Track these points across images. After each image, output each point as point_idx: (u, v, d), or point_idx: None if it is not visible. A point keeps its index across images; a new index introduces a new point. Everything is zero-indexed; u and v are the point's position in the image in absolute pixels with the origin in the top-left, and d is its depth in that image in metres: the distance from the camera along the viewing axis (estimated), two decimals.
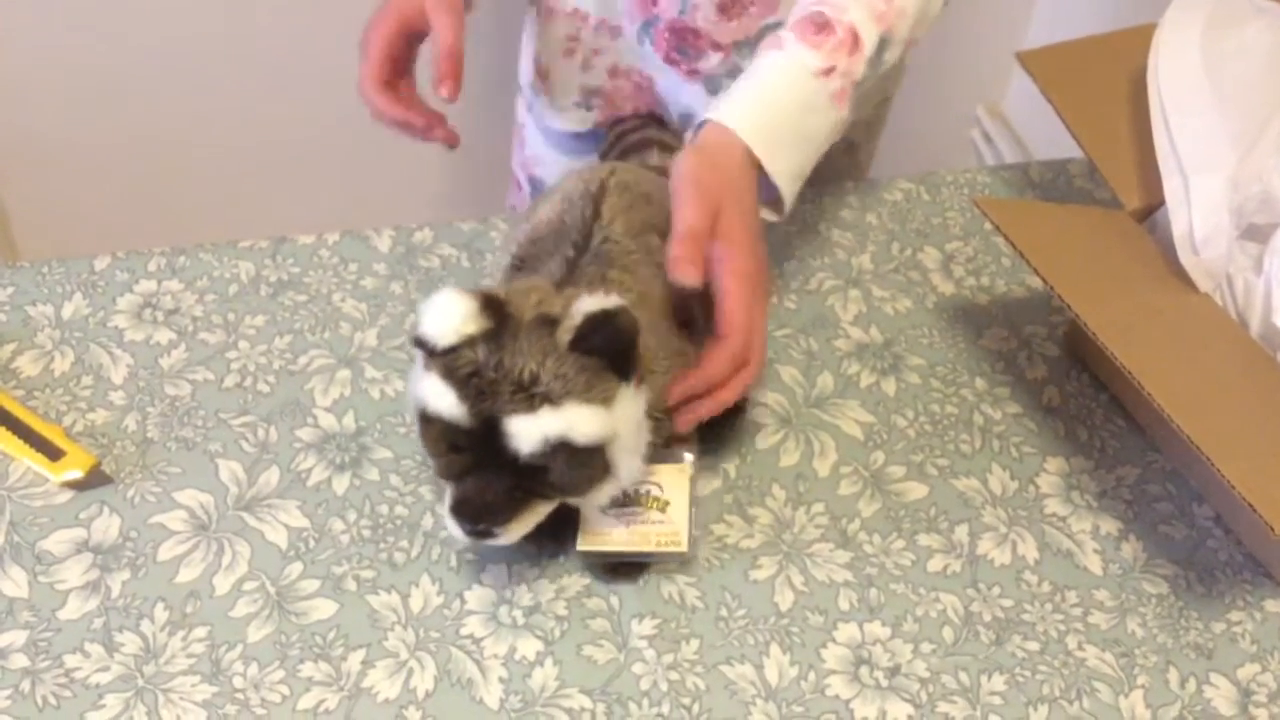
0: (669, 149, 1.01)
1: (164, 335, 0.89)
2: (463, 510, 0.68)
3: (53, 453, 0.79)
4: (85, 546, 0.76)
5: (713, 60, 1.02)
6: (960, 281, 0.98)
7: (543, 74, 1.10)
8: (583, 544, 0.74)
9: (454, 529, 0.69)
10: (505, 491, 0.68)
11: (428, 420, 0.67)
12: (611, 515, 0.74)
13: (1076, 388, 0.91)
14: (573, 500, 0.71)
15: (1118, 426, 0.88)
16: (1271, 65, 0.85)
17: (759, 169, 0.77)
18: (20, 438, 0.80)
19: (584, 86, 1.08)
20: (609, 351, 0.67)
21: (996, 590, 0.78)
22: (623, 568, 0.77)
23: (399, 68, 0.88)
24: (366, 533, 0.78)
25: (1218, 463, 0.64)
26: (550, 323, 0.67)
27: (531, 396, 0.65)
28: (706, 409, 0.73)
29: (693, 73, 1.03)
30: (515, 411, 0.65)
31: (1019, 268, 0.99)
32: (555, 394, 0.65)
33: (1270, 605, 0.78)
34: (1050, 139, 1.12)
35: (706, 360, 0.73)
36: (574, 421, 0.65)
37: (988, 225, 1.02)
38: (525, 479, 0.67)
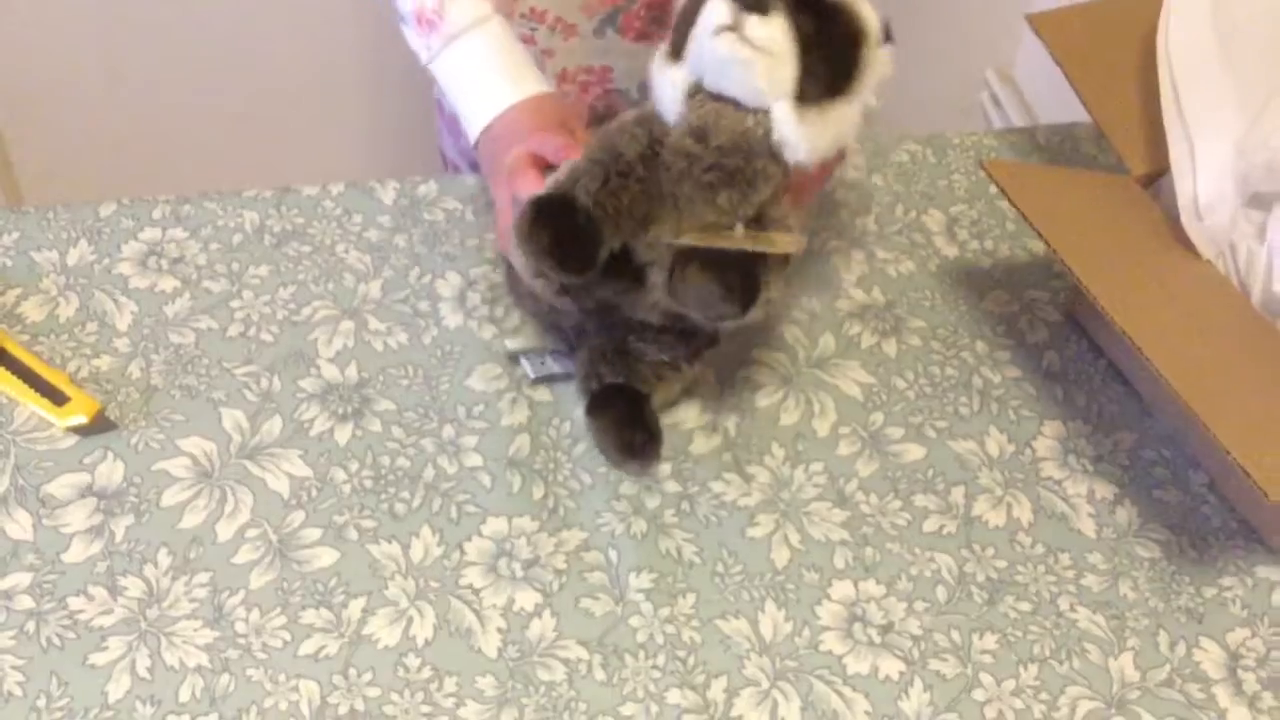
0: None
1: (168, 283, 0.89)
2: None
3: (58, 398, 0.80)
4: (89, 491, 0.77)
5: None
6: (964, 245, 0.98)
7: None
8: (683, 238, 0.72)
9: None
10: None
11: None
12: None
13: (1076, 352, 0.91)
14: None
15: (1116, 392, 0.89)
16: None
17: None
18: (25, 382, 0.81)
19: None
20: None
21: (991, 551, 0.79)
22: (639, 443, 0.78)
23: None
24: (368, 483, 0.79)
25: (1213, 427, 0.64)
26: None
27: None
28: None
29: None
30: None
31: (1022, 232, 0.99)
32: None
33: (1261, 571, 0.79)
34: (1059, 103, 1.11)
35: None
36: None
37: (993, 189, 1.02)
38: None
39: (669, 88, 0.70)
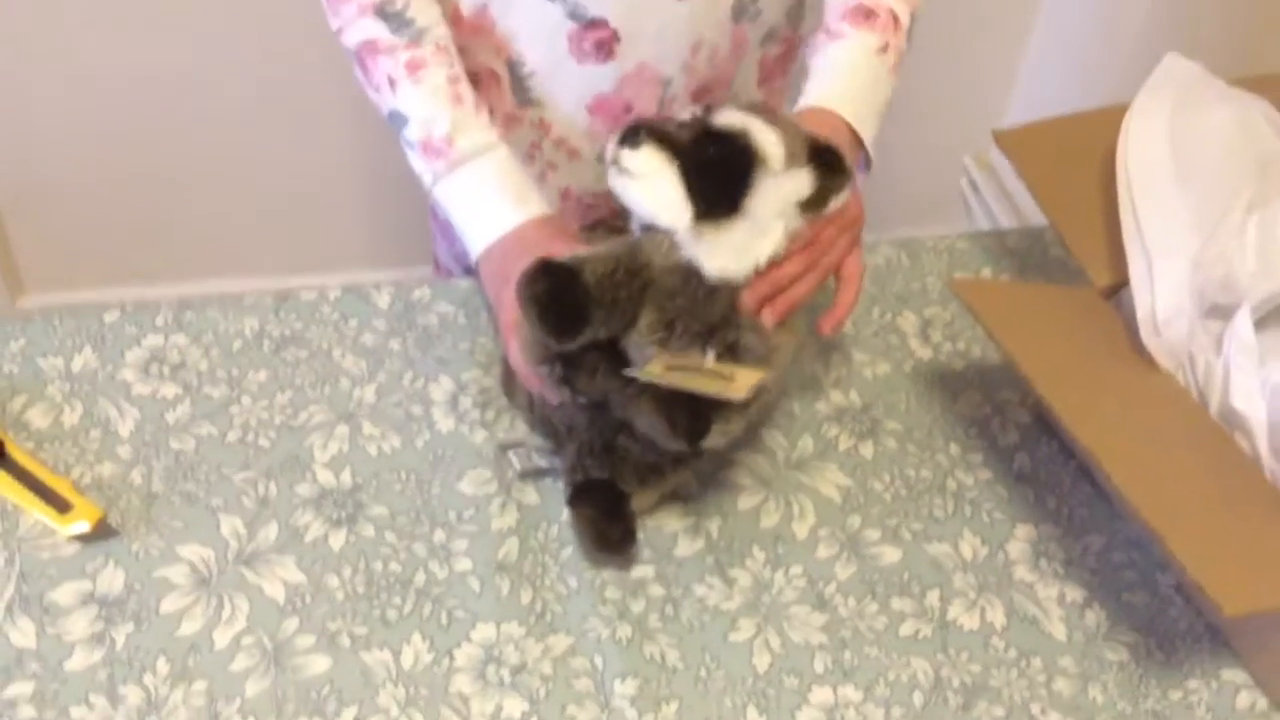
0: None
1: (170, 389, 0.92)
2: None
3: (61, 505, 0.83)
4: (91, 599, 0.79)
5: None
6: (937, 347, 1.02)
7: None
8: (644, 372, 0.75)
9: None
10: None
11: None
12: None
13: (1046, 455, 0.94)
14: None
15: (1085, 494, 0.92)
16: (1236, 150, 0.89)
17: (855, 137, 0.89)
18: (30, 490, 0.83)
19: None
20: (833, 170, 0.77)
21: (965, 655, 0.81)
22: (615, 538, 0.82)
23: None
24: (360, 589, 0.81)
25: (1170, 543, 0.67)
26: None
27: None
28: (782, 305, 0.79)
29: None
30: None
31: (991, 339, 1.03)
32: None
33: (1226, 674, 0.82)
34: (1021, 230, 1.15)
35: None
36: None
37: None
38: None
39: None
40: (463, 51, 1.00)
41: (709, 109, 0.77)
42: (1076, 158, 0.93)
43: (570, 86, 1.00)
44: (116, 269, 1.81)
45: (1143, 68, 0.96)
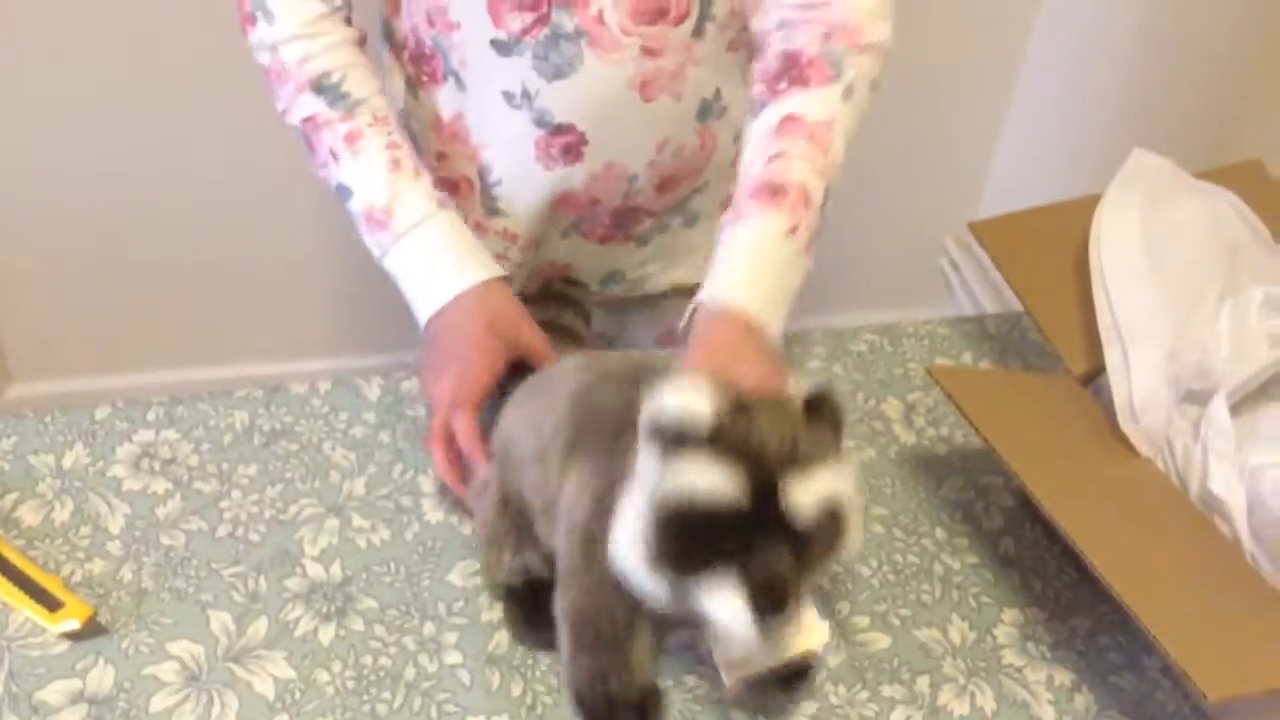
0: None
1: (160, 485, 0.93)
2: (769, 590, 0.65)
3: (51, 603, 0.83)
4: (81, 697, 0.79)
5: (646, 224, 1.09)
6: (921, 432, 1.03)
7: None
8: (729, 675, 0.75)
9: (743, 621, 0.65)
10: (793, 565, 0.66)
11: (690, 513, 0.64)
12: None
13: (1031, 539, 0.95)
14: (815, 575, 0.71)
15: (1070, 577, 0.93)
16: (1207, 242, 0.92)
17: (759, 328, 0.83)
18: (20, 588, 0.83)
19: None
20: (838, 420, 0.70)
21: None
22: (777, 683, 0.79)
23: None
24: (350, 684, 0.81)
25: (1153, 629, 0.68)
26: (776, 400, 0.70)
27: (802, 460, 0.65)
28: None
29: (627, 238, 1.10)
30: (792, 475, 0.65)
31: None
32: (818, 456, 0.66)
33: None
34: (1000, 315, 1.18)
35: None
36: (840, 480, 0.67)
37: None
38: (799, 549, 0.66)
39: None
40: (441, 158, 1.03)
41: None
42: (1051, 247, 0.96)
43: (535, 191, 1.02)
44: (104, 358, 1.82)
45: (1117, 139, 0.98)
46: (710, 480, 0.64)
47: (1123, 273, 0.88)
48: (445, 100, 1.01)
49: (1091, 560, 0.71)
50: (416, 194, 0.92)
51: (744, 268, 0.85)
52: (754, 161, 0.88)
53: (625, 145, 1.00)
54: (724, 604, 0.66)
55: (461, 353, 0.89)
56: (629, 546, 0.68)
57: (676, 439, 0.65)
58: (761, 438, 0.66)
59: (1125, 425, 0.84)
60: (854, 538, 0.70)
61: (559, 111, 0.96)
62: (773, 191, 0.86)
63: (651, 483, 0.66)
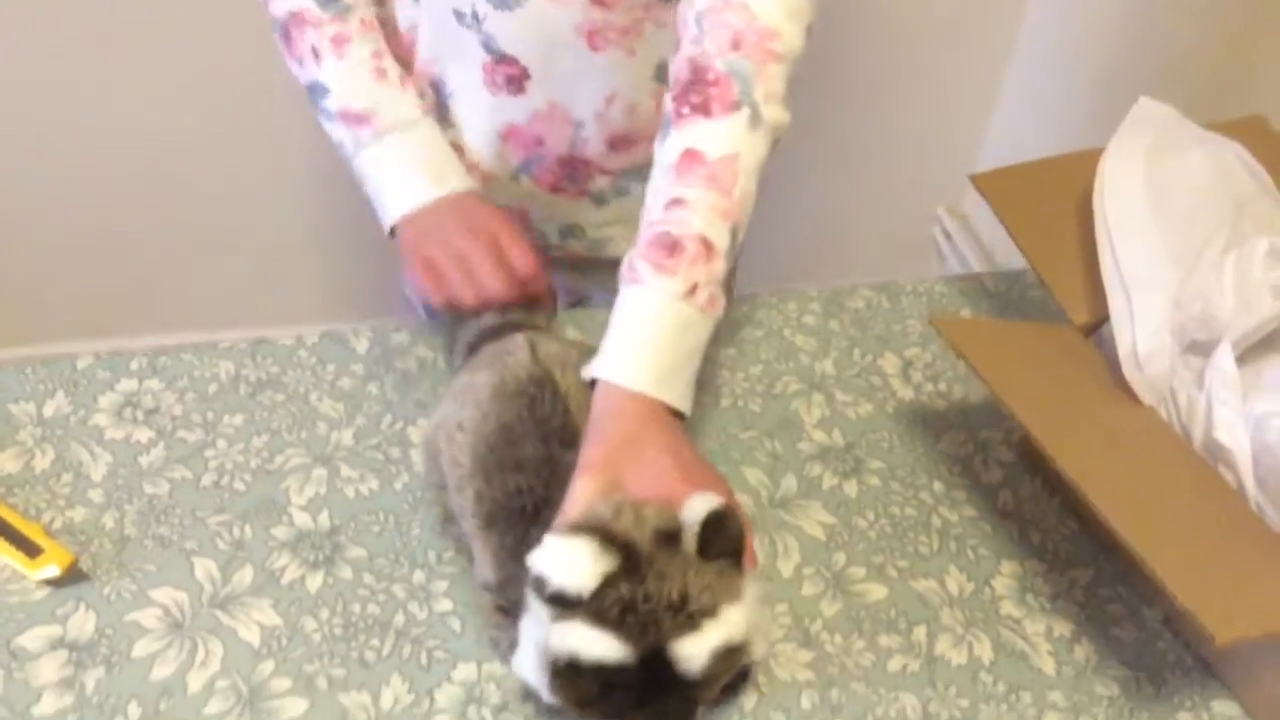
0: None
1: (144, 434, 0.91)
2: None
3: (31, 550, 0.81)
4: (61, 643, 0.77)
5: (601, 182, 1.08)
6: (919, 387, 1.02)
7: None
8: None
9: None
10: (684, 709, 0.68)
11: (578, 671, 0.65)
12: None
13: (1030, 492, 0.94)
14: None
15: (1070, 530, 0.91)
16: (1212, 190, 0.90)
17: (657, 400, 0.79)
18: (0, 535, 0.82)
19: None
20: (732, 547, 0.69)
21: (954, 690, 0.80)
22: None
23: None
24: (339, 631, 0.80)
25: (1160, 572, 0.67)
26: (667, 536, 0.68)
27: (690, 615, 0.65)
28: None
29: (580, 193, 1.08)
30: (680, 635, 0.65)
31: (974, 374, 1.03)
32: (709, 606, 0.66)
33: (1217, 706, 0.81)
34: (1008, 239, 1.16)
35: None
36: (732, 626, 0.67)
37: None
38: (692, 691, 0.67)
39: None
40: (404, 66, 1.02)
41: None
42: (1053, 199, 0.94)
43: (484, 114, 1.02)
44: (87, 325, 1.79)
45: (1113, 118, 0.97)
46: (596, 648, 0.65)
47: (1127, 221, 0.87)
48: (403, 11, 1.02)
49: (1096, 504, 0.70)
50: (402, 100, 0.93)
51: (638, 343, 0.80)
52: (654, 204, 0.84)
53: (569, 90, 0.99)
54: None
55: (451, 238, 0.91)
56: (528, 671, 0.69)
57: (561, 604, 0.65)
58: (649, 598, 0.65)
59: (1129, 373, 0.83)
60: (756, 653, 0.71)
61: (504, 41, 0.95)
62: (669, 249, 0.80)
63: (542, 633, 0.67)
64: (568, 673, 0.65)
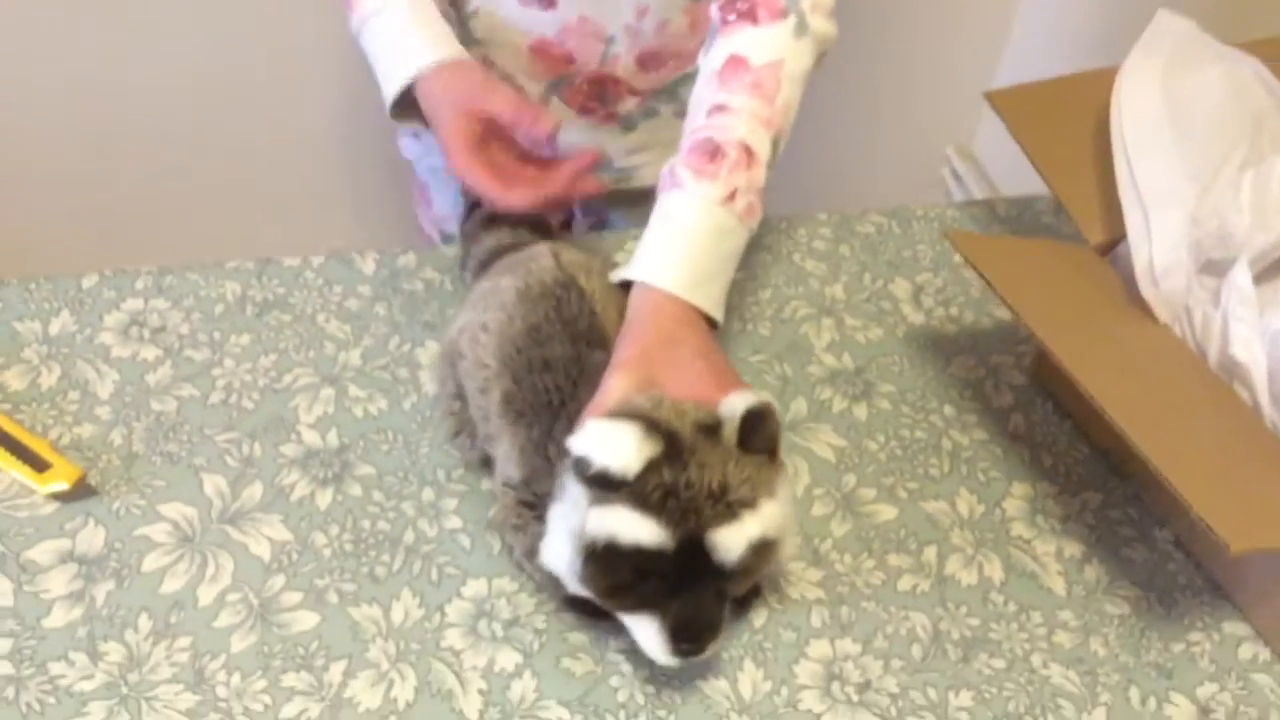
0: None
1: (150, 352, 0.90)
2: (688, 633, 0.67)
3: (39, 464, 0.80)
4: (70, 557, 0.77)
5: (630, 104, 1.06)
6: (930, 312, 1.01)
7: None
8: None
9: (663, 655, 0.68)
10: (716, 603, 0.68)
11: (614, 556, 0.65)
12: None
13: (1041, 415, 0.93)
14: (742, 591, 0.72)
15: (1081, 453, 0.91)
16: (1229, 106, 0.89)
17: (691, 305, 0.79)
18: (6, 449, 0.81)
19: None
20: (770, 444, 0.68)
21: (964, 610, 0.80)
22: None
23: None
24: (349, 547, 0.79)
25: (1175, 482, 0.66)
26: (707, 429, 0.68)
27: (730, 505, 0.65)
28: None
29: (610, 116, 1.06)
30: (720, 523, 0.65)
31: (987, 300, 1.02)
32: (748, 498, 0.66)
33: (1228, 627, 0.81)
34: (1018, 178, 1.15)
35: None
36: (769, 519, 0.67)
37: (957, 259, 1.05)
38: (725, 584, 0.68)
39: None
40: None
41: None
42: (1069, 117, 0.93)
43: (513, 27, 1.00)
44: (91, 257, 1.78)
45: (1129, 44, 0.95)
46: (636, 531, 0.64)
47: (1144, 137, 0.85)
48: None
49: (1111, 415, 0.69)
50: None
51: (675, 246, 0.80)
52: (697, 112, 0.84)
53: (600, 3, 0.97)
54: (645, 636, 0.68)
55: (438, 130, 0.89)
56: (557, 559, 0.68)
57: (603, 486, 0.64)
58: (690, 485, 0.65)
59: (1145, 290, 0.82)
60: (786, 554, 0.71)
61: None
62: (710, 154, 0.81)
63: (578, 518, 0.66)
64: (603, 557, 0.65)
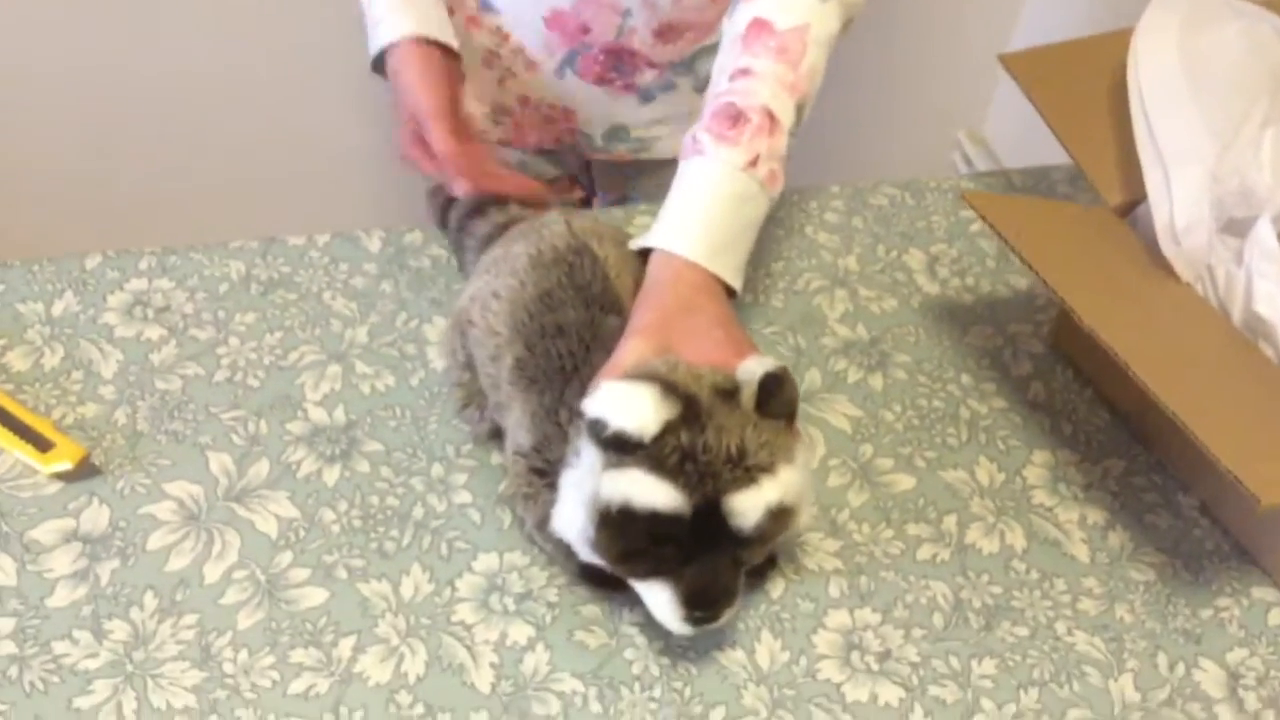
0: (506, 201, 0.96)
1: (154, 332, 0.89)
2: (703, 600, 0.65)
3: (42, 444, 0.79)
4: (74, 536, 0.76)
5: (647, 76, 1.05)
6: (945, 282, 0.99)
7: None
8: None
9: (677, 622, 0.66)
10: (732, 570, 0.66)
11: (629, 521, 0.63)
12: None
13: (1061, 383, 0.92)
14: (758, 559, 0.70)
15: (1102, 420, 0.89)
16: (1248, 63, 0.87)
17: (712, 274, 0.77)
18: (9, 429, 0.80)
19: (496, 102, 1.10)
20: (788, 410, 0.67)
21: (985, 578, 0.78)
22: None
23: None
24: (357, 522, 0.78)
25: (1203, 438, 0.64)
26: (724, 393, 0.66)
27: (748, 469, 0.64)
28: None
29: (627, 86, 1.05)
30: (737, 488, 0.63)
31: (1003, 269, 1.00)
32: (766, 463, 0.64)
33: (1256, 592, 0.79)
34: (1029, 162, 1.13)
35: None
36: (787, 485, 0.65)
37: (972, 228, 1.04)
38: (741, 551, 0.66)
39: None
40: None
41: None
42: (1084, 79, 0.91)
43: (525, 2, 0.99)
44: (94, 238, 1.77)
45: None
46: (651, 495, 0.62)
47: (1162, 95, 0.84)
48: None
49: (1136, 372, 0.68)
50: None
51: (696, 213, 0.78)
52: (720, 74, 0.83)
53: None
54: (658, 603, 0.67)
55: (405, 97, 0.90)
56: (569, 526, 0.67)
57: (619, 448, 0.63)
58: (708, 449, 0.63)
59: (1166, 248, 0.80)
60: (803, 521, 0.69)
61: None
62: (733, 119, 0.79)
63: (592, 483, 0.64)
64: (617, 522, 0.63)
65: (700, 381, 0.66)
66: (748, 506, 0.64)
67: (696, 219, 0.78)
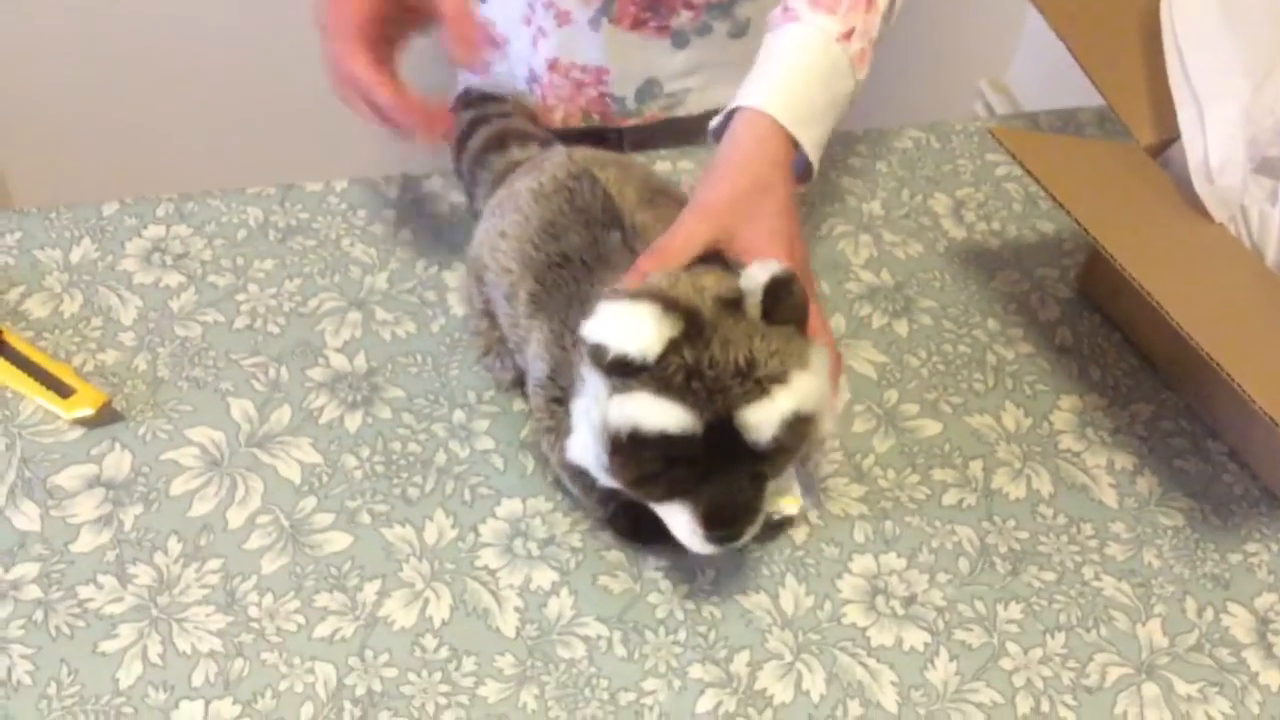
0: (529, 139, 0.91)
1: (173, 278, 0.88)
2: (722, 518, 0.64)
3: (63, 390, 0.79)
4: (97, 482, 0.76)
5: (684, 17, 1.02)
6: (971, 227, 0.98)
7: (498, 42, 1.09)
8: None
9: (698, 542, 0.65)
10: (753, 486, 0.64)
11: (641, 445, 0.61)
12: None
13: (1089, 328, 0.90)
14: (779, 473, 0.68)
15: (1130, 365, 0.88)
16: None
17: (793, 144, 0.75)
18: (30, 376, 0.80)
19: (530, 67, 1.08)
20: (798, 315, 0.64)
21: (1012, 523, 0.78)
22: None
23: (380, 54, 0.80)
24: (380, 468, 0.78)
25: (1236, 377, 0.63)
26: (729, 303, 0.64)
27: (759, 381, 0.61)
28: None
29: (662, 29, 1.03)
30: (749, 401, 0.61)
31: (1030, 213, 0.99)
32: (778, 372, 0.62)
33: None
34: (1052, 111, 1.11)
35: None
36: (803, 393, 0.62)
37: (999, 172, 1.02)
38: (758, 465, 0.64)
39: None
40: None
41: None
42: (1115, 17, 0.89)
43: None
44: (110, 185, 1.76)
45: None
46: (660, 417, 0.60)
47: (1196, 31, 0.82)
48: None
49: (1165, 308, 0.67)
50: None
51: (787, 75, 0.76)
52: None
53: None
54: (678, 524, 0.65)
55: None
56: (583, 453, 0.65)
57: (622, 372, 0.61)
58: (715, 364, 0.61)
59: (1200, 186, 0.79)
60: (824, 429, 0.66)
61: None
62: None
63: (600, 409, 0.62)
64: (629, 447, 0.61)
65: (703, 294, 0.64)
66: (761, 419, 0.61)
67: (786, 81, 0.75)
